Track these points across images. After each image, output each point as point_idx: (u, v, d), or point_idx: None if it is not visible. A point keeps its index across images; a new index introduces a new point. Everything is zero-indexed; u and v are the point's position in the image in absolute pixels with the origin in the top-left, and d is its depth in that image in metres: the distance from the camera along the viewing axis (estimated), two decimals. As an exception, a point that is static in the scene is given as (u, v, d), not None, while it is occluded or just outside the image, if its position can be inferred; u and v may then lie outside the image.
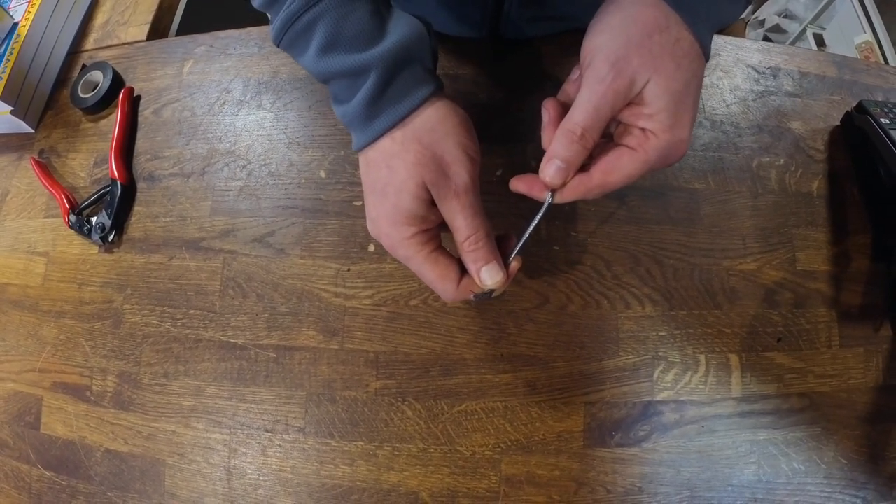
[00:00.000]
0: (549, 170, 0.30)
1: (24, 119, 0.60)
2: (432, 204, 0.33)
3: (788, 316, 0.49)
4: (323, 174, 0.52)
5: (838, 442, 0.47)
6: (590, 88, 0.28)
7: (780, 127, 0.55)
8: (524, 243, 0.34)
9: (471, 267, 0.33)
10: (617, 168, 0.29)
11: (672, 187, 0.51)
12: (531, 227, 0.33)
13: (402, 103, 0.32)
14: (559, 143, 0.29)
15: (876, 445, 0.48)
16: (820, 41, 1.20)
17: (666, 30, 0.28)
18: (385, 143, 0.32)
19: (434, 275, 0.34)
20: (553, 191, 0.31)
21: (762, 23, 1.25)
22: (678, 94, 0.28)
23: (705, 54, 0.30)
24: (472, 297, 0.36)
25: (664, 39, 0.28)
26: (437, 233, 0.35)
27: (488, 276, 0.33)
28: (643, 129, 0.29)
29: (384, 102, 0.32)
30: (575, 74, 0.34)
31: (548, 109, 0.32)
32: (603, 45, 0.29)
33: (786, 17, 1.19)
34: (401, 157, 0.32)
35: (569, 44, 0.54)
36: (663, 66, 0.27)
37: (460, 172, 0.32)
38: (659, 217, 0.50)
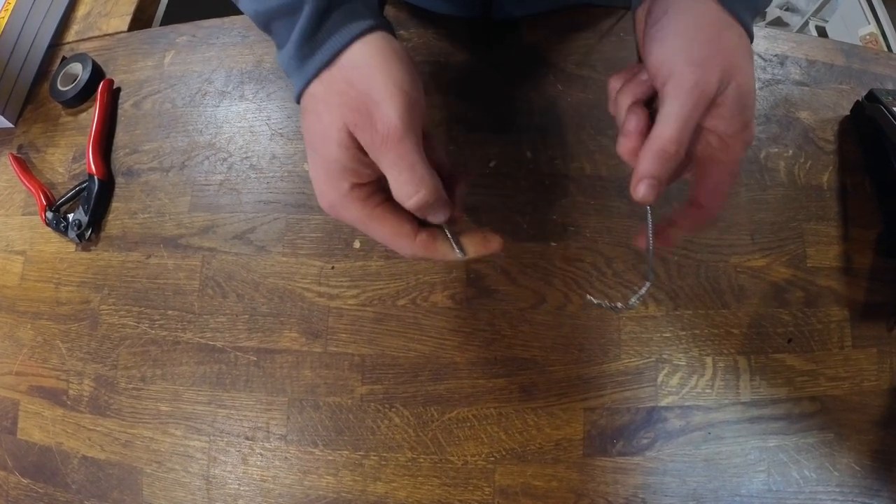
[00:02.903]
0: (642, 189, 0.27)
1: (2, 114, 0.55)
2: (365, 153, 0.27)
3: (799, 315, 0.45)
4: (307, 167, 0.47)
5: (851, 448, 0.43)
6: (677, 99, 0.26)
7: (788, 116, 0.50)
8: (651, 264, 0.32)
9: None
10: (716, 187, 0.29)
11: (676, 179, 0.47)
12: (651, 246, 0.30)
13: (333, 39, 0.27)
14: (651, 163, 0.27)
15: (890, 451, 0.44)
16: (822, 34, 1.15)
17: (731, 26, 0.27)
18: (314, 88, 0.28)
19: (384, 233, 0.29)
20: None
21: (763, 15, 1.20)
22: (750, 89, 0.27)
23: (750, 36, 0.28)
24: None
25: (732, 35, 0.27)
26: (379, 185, 0.29)
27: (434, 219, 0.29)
28: (720, 137, 0.27)
29: (317, 42, 0.27)
30: (639, 72, 0.30)
31: (619, 88, 0.30)
32: (679, 50, 0.27)
33: (787, 9, 1.14)
34: (325, 101, 0.27)
35: (562, 26, 0.50)
36: (739, 65, 0.26)
37: (388, 112, 0.25)
38: (662, 211, 0.46)
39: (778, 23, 1.19)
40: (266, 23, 0.29)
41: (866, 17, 1.03)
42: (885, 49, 1.09)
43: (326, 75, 0.27)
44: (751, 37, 0.28)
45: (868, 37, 1.03)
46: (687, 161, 0.29)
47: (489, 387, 0.42)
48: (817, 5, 1.13)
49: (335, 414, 0.42)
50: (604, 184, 0.46)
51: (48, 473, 0.46)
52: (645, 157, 0.27)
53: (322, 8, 0.27)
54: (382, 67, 0.26)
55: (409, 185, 0.26)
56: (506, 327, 0.43)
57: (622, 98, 0.30)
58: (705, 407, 0.42)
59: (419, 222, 0.29)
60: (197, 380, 0.44)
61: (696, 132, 0.27)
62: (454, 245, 0.30)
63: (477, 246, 0.30)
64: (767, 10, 1.20)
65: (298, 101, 0.29)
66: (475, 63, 0.49)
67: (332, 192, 0.28)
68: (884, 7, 1.02)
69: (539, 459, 0.41)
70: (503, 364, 0.43)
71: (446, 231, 0.30)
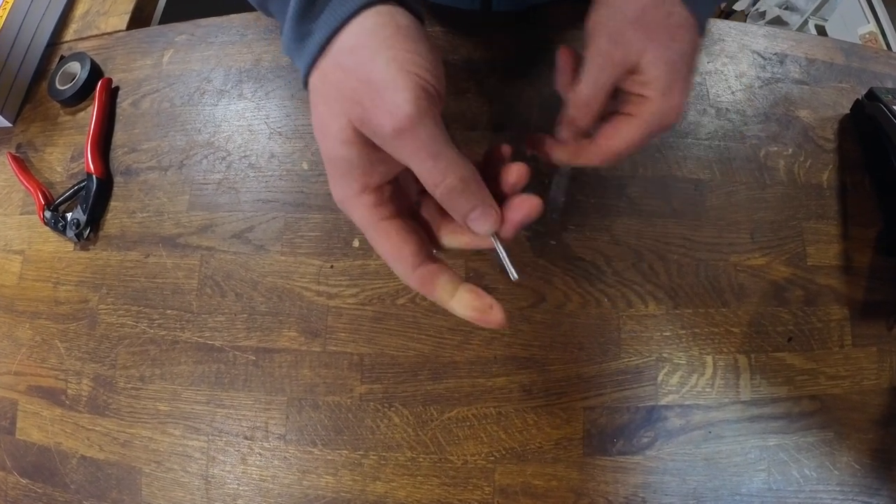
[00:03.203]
0: (562, 133, 0.31)
1: (1, 113, 0.55)
2: (376, 149, 0.23)
3: (799, 314, 0.45)
4: (305, 165, 0.47)
5: (851, 447, 0.43)
6: (592, 62, 0.29)
7: (788, 115, 0.50)
8: (557, 200, 0.30)
9: (455, 216, 0.25)
10: (617, 134, 0.30)
11: (675, 178, 0.46)
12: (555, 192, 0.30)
13: (327, 14, 0.23)
14: (568, 111, 0.31)
15: (890, 450, 0.44)
16: (822, 33, 1.15)
17: (660, 5, 0.28)
18: (313, 79, 0.24)
19: (384, 250, 0.25)
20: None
21: (763, 15, 1.19)
22: (672, 62, 0.28)
23: (700, 28, 0.30)
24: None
25: (657, 13, 0.28)
26: (394, 192, 0.25)
27: (480, 224, 0.24)
28: (640, 96, 0.29)
29: (313, 16, 0.23)
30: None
31: (562, 57, 0.32)
32: (602, 20, 0.30)
33: (786, 8, 1.14)
34: (321, 94, 0.24)
35: (562, 19, 0.50)
36: (657, 38, 0.28)
37: (394, 98, 0.21)
38: (662, 209, 0.45)
39: (777, 22, 1.18)
40: (262, 3, 0.27)
41: (865, 16, 1.03)
42: (885, 48, 1.08)
43: (322, 63, 0.24)
44: (699, 22, 0.29)
45: (867, 36, 1.02)
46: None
47: (489, 386, 0.42)
48: (816, 4, 1.13)
49: (334, 413, 0.42)
50: (603, 182, 0.46)
51: (47, 473, 0.46)
52: (566, 108, 0.31)
53: None
54: (383, 48, 0.22)
55: (434, 173, 0.23)
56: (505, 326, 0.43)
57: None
58: (705, 406, 0.42)
59: (427, 254, 0.26)
60: (196, 379, 0.44)
61: (624, 97, 0.30)
62: (505, 262, 0.25)
63: (471, 309, 0.25)
64: (767, 9, 1.19)
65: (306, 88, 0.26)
66: (474, 59, 0.49)
67: (341, 191, 0.25)
68: (883, 6, 1.01)
69: (539, 459, 0.41)
70: (503, 363, 0.42)
71: (496, 244, 0.25)
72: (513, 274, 0.25)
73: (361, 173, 0.24)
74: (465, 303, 0.25)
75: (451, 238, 0.27)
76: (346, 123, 0.23)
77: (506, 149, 0.27)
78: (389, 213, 0.25)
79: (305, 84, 0.25)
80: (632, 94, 0.30)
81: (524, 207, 0.25)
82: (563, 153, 0.32)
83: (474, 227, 0.24)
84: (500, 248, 0.25)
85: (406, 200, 0.27)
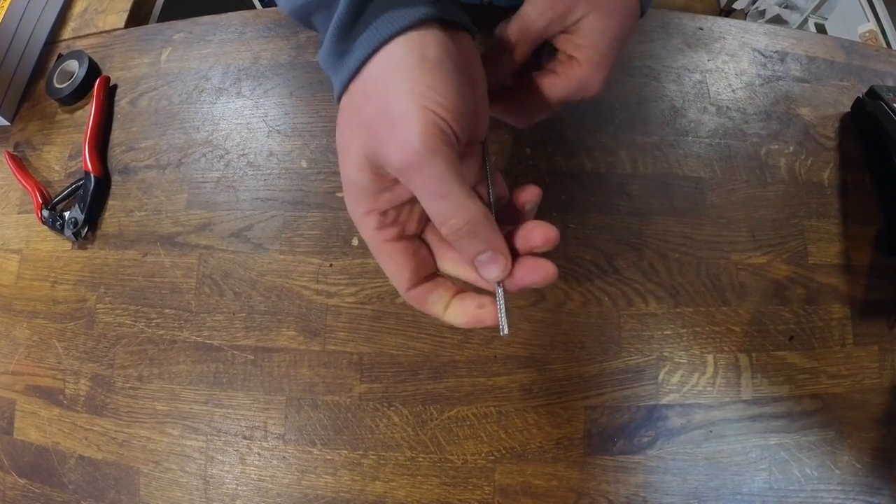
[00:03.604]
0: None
1: (-2, 112, 0.55)
2: (385, 178, 0.24)
3: (800, 312, 0.44)
4: (304, 164, 0.47)
5: (852, 446, 0.43)
6: (531, 3, 0.30)
7: (789, 113, 0.50)
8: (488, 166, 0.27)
9: (463, 256, 0.24)
10: (540, 89, 0.30)
11: (676, 176, 0.46)
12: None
13: (367, 35, 0.22)
14: (491, 49, 0.30)
15: (891, 449, 0.44)
16: (822, 31, 1.15)
17: None
18: (343, 100, 0.25)
19: (385, 268, 0.26)
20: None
21: (762, 13, 1.19)
22: (611, 35, 0.29)
23: (642, 10, 0.31)
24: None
25: None
26: (398, 217, 0.25)
27: (489, 269, 0.24)
28: (571, 57, 0.30)
29: (353, 36, 0.23)
30: None
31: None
32: None
33: (786, 7, 1.14)
34: (346, 117, 0.24)
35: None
36: (603, 6, 0.28)
37: (408, 135, 0.21)
38: (662, 208, 0.45)
39: (777, 20, 1.18)
40: (306, 17, 0.27)
41: (866, 14, 1.03)
42: (885, 46, 1.08)
43: (353, 85, 0.24)
44: (642, 4, 0.30)
45: (867, 34, 1.02)
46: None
47: (489, 385, 0.42)
48: (816, 3, 1.12)
49: (333, 413, 0.42)
50: (603, 181, 0.46)
51: (45, 473, 0.46)
52: (492, 42, 0.31)
53: None
54: (402, 81, 0.22)
55: (441, 212, 0.22)
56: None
57: None
58: (706, 405, 0.42)
59: (425, 275, 0.26)
60: (194, 379, 0.44)
61: (555, 55, 0.31)
62: (501, 313, 0.24)
63: (463, 316, 0.25)
64: (767, 7, 1.19)
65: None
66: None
67: (352, 210, 0.25)
68: (883, 4, 1.01)
69: (539, 458, 0.40)
70: (503, 362, 0.42)
71: (497, 292, 0.24)
72: (504, 329, 0.24)
73: (369, 198, 0.24)
74: (457, 312, 0.25)
75: (451, 267, 0.27)
76: (360, 150, 0.23)
77: (533, 190, 0.27)
78: (392, 235, 0.25)
79: (338, 100, 0.25)
80: (562, 54, 0.30)
81: (538, 273, 0.24)
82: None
83: (481, 271, 0.24)
84: (501, 298, 0.24)
85: (413, 223, 0.26)
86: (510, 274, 0.24)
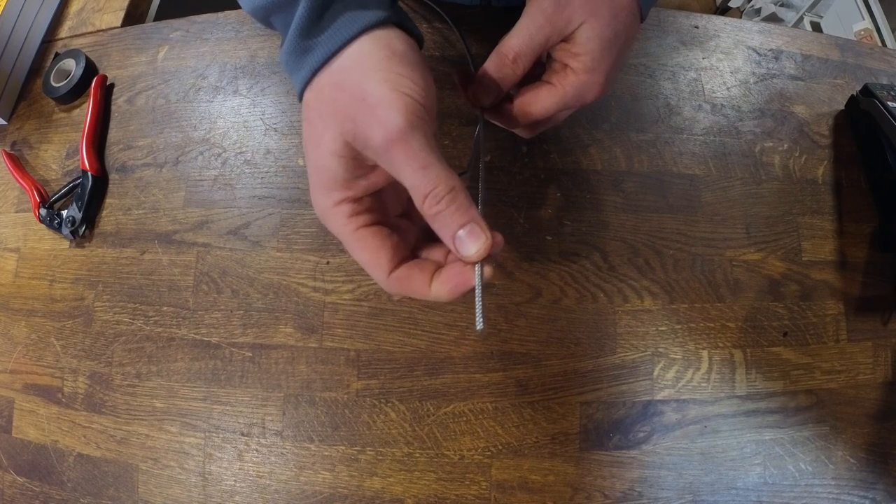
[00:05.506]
0: (479, 88, 0.30)
1: (-5, 110, 0.55)
2: (361, 165, 0.25)
3: (795, 309, 0.45)
4: (301, 162, 0.47)
5: (847, 441, 0.43)
6: (530, 18, 0.29)
7: (783, 111, 0.50)
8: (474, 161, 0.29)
9: (443, 234, 0.24)
10: (536, 100, 0.30)
11: (671, 173, 0.46)
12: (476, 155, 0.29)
13: (329, 35, 0.24)
14: (492, 63, 0.30)
15: (885, 444, 0.44)
16: (817, 29, 1.15)
17: None
18: (307, 96, 0.26)
19: (361, 258, 0.26)
20: (482, 109, 0.32)
21: (758, 11, 1.19)
22: (607, 40, 0.29)
23: (642, 15, 0.30)
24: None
25: None
26: (372, 205, 0.26)
27: (468, 244, 0.23)
28: (566, 66, 0.29)
29: (316, 34, 0.25)
30: None
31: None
32: None
33: (782, 5, 1.14)
34: (316, 108, 0.25)
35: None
36: (599, 13, 0.28)
37: (389, 115, 0.23)
38: (658, 205, 0.45)
39: (773, 18, 1.18)
40: (265, 17, 0.28)
41: (861, 12, 1.03)
42: (880, 44, 1.09)
43: (318, 80, 0.25)
44: (642, 8, 0.30)
45: (862, 32, 1.03)
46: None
47: (485, 381, 0.42)
48: (811, 1, 1.13)
49: (331, 409, 0.42)
50: (599, 178, 0.46)
51: (43, 472, 0.46)
52: (489, 60, 0.30)
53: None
54: (376, 70, 0.24)
55: (425, 181, 0.23)
56: (501, 321, 0.43)
57: None
58: (701, 400, 0.42)
59: (404, 257, 0.26)
60: (192, 376, 0.44)
61: (551, 64, 0.31)
62: (477, 305, 0.24)
63: (446, 283, 0.24)
64: (763, 5, 1.19)
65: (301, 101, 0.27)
66: (474, 55, 0.49)
67: (321, 202, 0.26)
68: (878, 2, 1.01)
69: (535, 454, 0.41)
70: (499, 358, 0.42)
71: (476, 281, 0.24)
72: (479, 323, 0.24)
73: (343, 185, 0.25)
74: (440, 282, 0.24)
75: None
76: (337, 136, 0.24)
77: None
78: (366, 221, 0.26)
79: (300, 97, 0.26)
80: (558, 63, 0.30)
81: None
82: (483, 93, 0.31)
83: (462, 248, 0.23)
84: (479, 287, 0.24)
85: (386, 215, 0.27)
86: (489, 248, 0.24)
